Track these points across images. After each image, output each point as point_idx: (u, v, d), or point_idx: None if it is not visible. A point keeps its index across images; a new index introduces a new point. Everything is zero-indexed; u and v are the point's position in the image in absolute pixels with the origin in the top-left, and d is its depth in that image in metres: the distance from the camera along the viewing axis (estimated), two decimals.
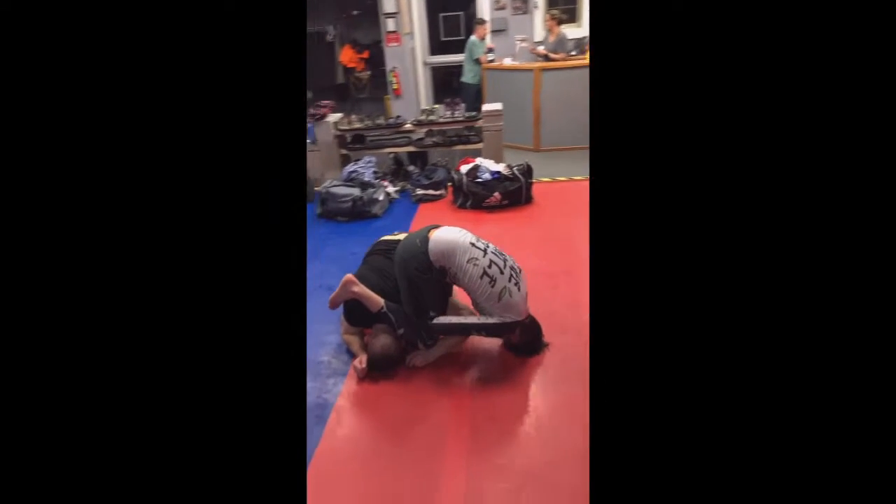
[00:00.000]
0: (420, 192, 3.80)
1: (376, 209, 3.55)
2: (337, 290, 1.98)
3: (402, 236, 2.20)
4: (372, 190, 3.59)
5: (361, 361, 1.94)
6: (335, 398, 1.88)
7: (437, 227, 1.95)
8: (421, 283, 1.85)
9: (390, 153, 4.39)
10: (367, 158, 3.99)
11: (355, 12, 6.14)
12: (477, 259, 1.82)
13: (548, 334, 2.05)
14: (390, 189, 3.87)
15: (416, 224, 3.43)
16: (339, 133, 4.15)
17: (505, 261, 1.89)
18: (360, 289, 1.96)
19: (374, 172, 3.86)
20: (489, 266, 1.82)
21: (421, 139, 4.17)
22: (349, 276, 1.98)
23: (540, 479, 1.48)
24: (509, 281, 1.84)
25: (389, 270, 2.01)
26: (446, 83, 6.28)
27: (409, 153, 4.36)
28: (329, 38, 6.17)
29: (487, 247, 1.89)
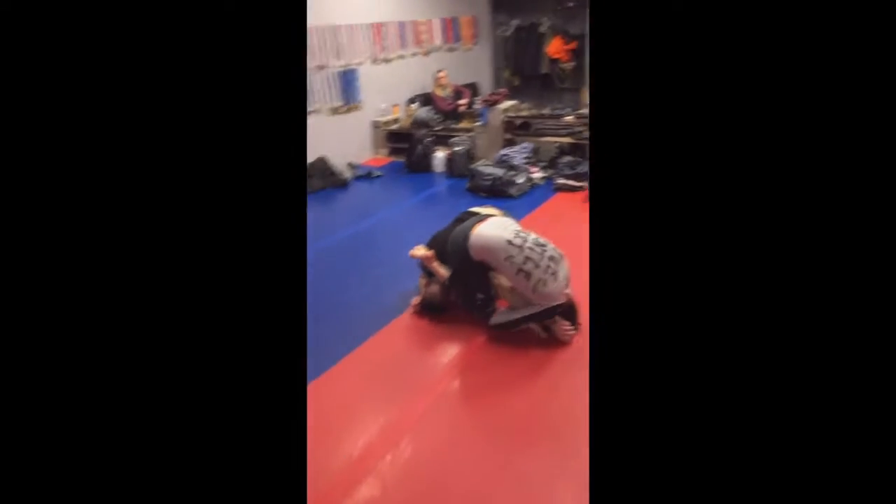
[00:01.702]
0: (560, 181, 4.00)
1: (512, 191, 3.92)
2: (421, 252, 2.43)
3: (489, 211, 2.59)
4: (513, 173, 3.97)
5: (416, 300, 2.46)
6: (395, 318, 2.44)
7: (486, 218, 2.23)
8: (464, 272, 2.20)
9: (556, 143, 4.63)
10: (523, 145, 4.35)
11: (571, 3, 6.33)
12: (513, 257, 2.03)
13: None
14: (536, 175, 4.17)
15: (543, 210, 3.69)
16: (507, 119, 4.59)
17: (543, 252, 2.06)
18: (435, 265, 2.38)
19: (526, 158, 4.21)
20: (524, 263, 2.02)
21: (580, 131, 4.30)
22: (430, 252, 2.40)
23: (481, 441, 1.78)
24: (545, 272, 2.02)
25: None
26: None
27: (571, 144, 4.52)
28: (542, 29, 6.53)
29: (525, 241, 2.07)
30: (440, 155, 4.72)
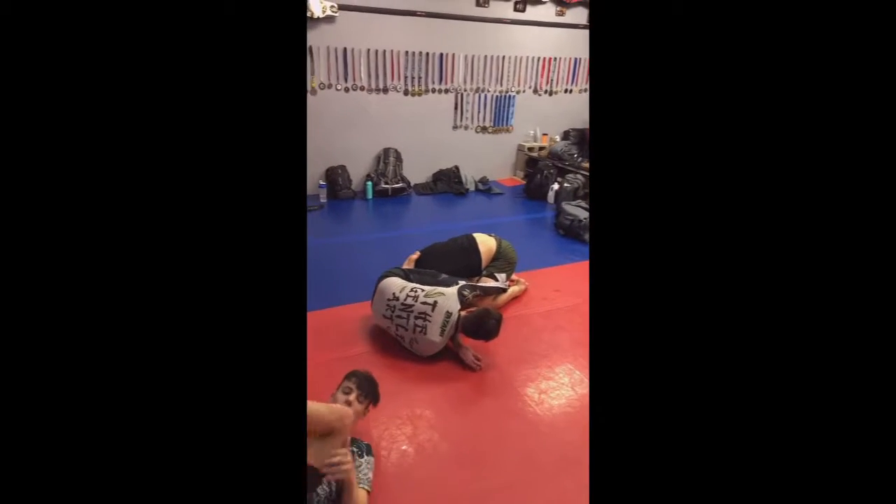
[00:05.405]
0: None
1: (586, 236, 3.87)
2: (411, 256, 2.95)
3: (483, 239, 2.89)
4: None
5: None
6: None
7: (389, 274, 2.52)
8: None
9: None
10: None
11: None
12: (390, 319, 2.38)
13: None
14: None
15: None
16: None
17: (409, 314, 2.29)
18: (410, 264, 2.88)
19: None
20: (396, 328, 2.36)
21: None
22: (415, 256, 2.92)
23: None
24: (414, 332, 2.29)
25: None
26: None
27: None
28: None
29: (394, 309, 2.34)
30: (555, 187, 4.85)
